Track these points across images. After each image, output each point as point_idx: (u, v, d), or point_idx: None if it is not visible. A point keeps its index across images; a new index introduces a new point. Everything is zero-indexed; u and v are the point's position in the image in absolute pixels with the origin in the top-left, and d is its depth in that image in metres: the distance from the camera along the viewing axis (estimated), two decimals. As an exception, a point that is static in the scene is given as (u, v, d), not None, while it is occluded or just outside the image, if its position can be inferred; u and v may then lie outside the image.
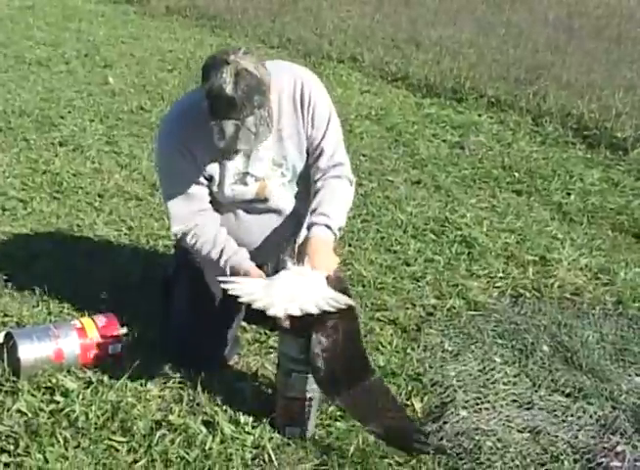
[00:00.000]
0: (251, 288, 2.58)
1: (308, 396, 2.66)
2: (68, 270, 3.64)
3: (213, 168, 2.85)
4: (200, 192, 2.89)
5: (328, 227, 2.83)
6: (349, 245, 4.09)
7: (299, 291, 2.56)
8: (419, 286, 3.79)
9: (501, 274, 3.96)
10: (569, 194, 5.19)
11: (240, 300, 2.54)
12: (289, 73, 2.90)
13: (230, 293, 2.56)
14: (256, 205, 2.97)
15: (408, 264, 4.00)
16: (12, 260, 3.72)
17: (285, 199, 3.00)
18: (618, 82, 7.62)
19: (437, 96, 7.45)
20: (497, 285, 3.85)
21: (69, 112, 6.17)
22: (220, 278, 2.66)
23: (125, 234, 4.13)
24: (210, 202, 2.93)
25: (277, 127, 2.83)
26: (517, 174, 5.47)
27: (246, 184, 2.91)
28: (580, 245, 4.39)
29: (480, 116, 6.94)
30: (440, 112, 6.99)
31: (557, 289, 3.85)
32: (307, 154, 2.95)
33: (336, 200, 2.92)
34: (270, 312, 2.50)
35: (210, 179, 2.87)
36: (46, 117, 5.93)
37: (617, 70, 8.25)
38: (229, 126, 2.57)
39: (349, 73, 8.02)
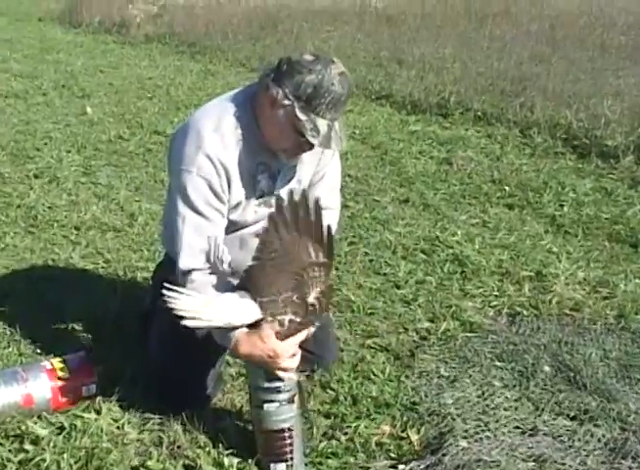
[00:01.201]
0: (194, 304, 2.44)
1: (286, 426, 2.49)
2: (42, 308, 3.47)
3: (241, 192, 2.67)
4: (221, 226, 2.66)
5: None
6: (337, 269, 3.92)
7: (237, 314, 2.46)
8: (411, 309, 3.63)
9: (496, 292, 3.81)
10: (562, 206, 5.06)
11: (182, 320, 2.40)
12: None
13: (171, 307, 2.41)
14: None
15: (399, 287, 3.84)
16: (-18, 299, 3.54)
17: None
18: (606, 90, 7.52)
19: (423, 112, 7.40)
20: (493, 304, 3.70)
21: (46, 143, 6.04)
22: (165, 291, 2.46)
23: (102, 267, 3.96)
24: None
25: None
26: (507, 188, 5.35)
27: (271, 206, 2.71)
28: (577, 258, 4.24)
29: (466, 130, 6.88)
30: (426, 128, 6.91)
31: (555, 305, 3.70)
32: None
33: None
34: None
35: (234, 206, 2.69)
36: (21, 150, 5.80)
37: (604, 79, 8.17)
38: (323, 125, 2.47)
39: (332, 93, 7.85)
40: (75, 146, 5.99)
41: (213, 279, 2.59)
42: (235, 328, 2.46)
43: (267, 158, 2.66)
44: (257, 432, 2.54)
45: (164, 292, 2.43)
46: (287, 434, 2.49)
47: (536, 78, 8.16)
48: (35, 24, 12.27)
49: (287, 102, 2.46)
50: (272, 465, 2.51)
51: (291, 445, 2.50)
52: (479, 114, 7.17)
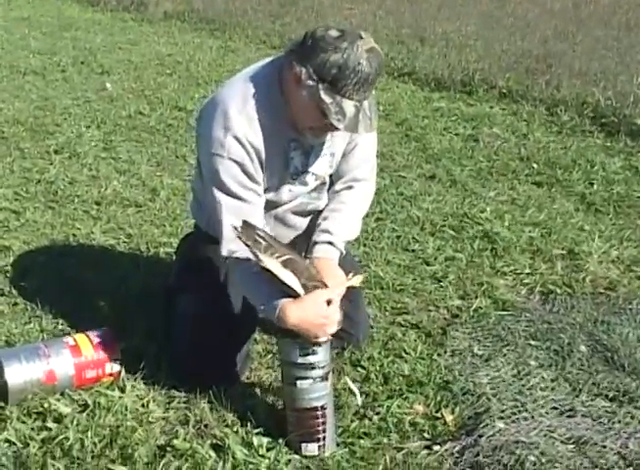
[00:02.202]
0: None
1: (319, 404, 2.40)
2: (63, 283, 3.39)
3: (275, 171, 2.58)
4: (259, 207, 2.58)
5: (330, 244, 2.64)
6: (364, 245, 3.83)
7: None
8: (441, 286, 3.53)
9: (528, 270, 3.71)
10: (591, 184, 4.95)
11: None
12: None
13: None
14: (307, 205, 2.78)
15: (428, 264, 3.75)
16: (2, 275, 3.47)
17: (325, 198, 2.83)
18: (633, 68, 7.36)
19: (446, 89, 7.29)
20: (525, 282, 3.60)
21: (65, 119, 5.95)
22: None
23: (124, 242, 3.88)
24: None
25: None
26: (535, 166, 5.24)
27: (305, 184, 2.67)
28: (609, 236, 4.14)
29: (491, 107, 6.77)
30: (450, 105, 6.80)
31: (589, 284, 3.61)
32: None
33: (343, 214, 2.72)
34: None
35: (268, 186, 2.60)
36: (41, 126, 5.71)
37: (631, 57, 8.00)
38: (350, 107, 2.32)
39: (354, 71, 7.76)
40: (95, 121, 5.89)
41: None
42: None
43: (298, 134, 2.56)
44: (289, 410, 2.46)
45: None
46: (319, 412, 2.41)
47: (562, 56, 8.03)
48: (53, 3, 12.12)
49: (311, 82, 2.32)
50: (303, 445, 2.43)
51: (323, 423, 2.42)
52: (503, 91, 7.06)
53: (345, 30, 2.32)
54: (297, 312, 2.33)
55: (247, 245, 2.30)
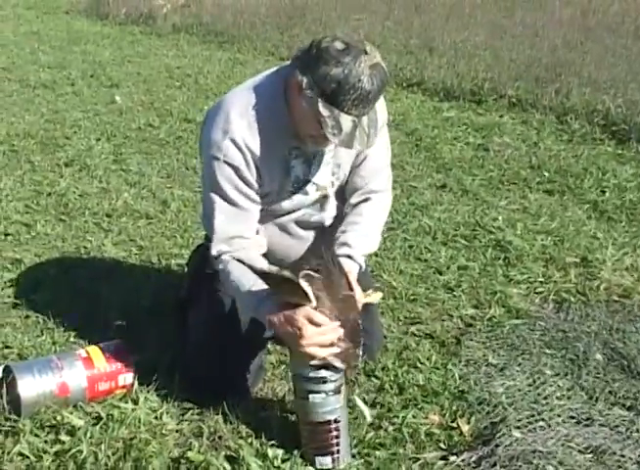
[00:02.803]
0: None
1: (332, 418, 2.37)
2: (75, 296, 3.38)
3: (274, 178, 2.57)
4: (253, 212, 2.59)
5: (349, 257, 2.63)
6: (376, 255, 3.80)
7: None
8: (454, 295, 3.51)
9: (542, 279, 3.68)
10: (603, 192, 4.93)
11: None
12: None
13: None
14: (311, 217, 2.75)
15: (440, 273, 3.73)
16: (14, 288, 3.46)
17: (332, 210, 2.80)
18: (643, 76, 7.34)
19: (456, 99, 7.28)
20: (538, 290, 3.57)
21: (75, 132, 5.95)
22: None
23: (135, 254, 3.87)
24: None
25: None
26: (547, 174, 5.22)
27: (306, 193, 2.66)
28: (622, 244, 4.11)
29: (501, 116, 6.75)
30: (460, 114, 6.79)
31: (603, 292, 3.58)
32: None
33: (361, 226, 2.72)
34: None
35: (267, 193, 2.59)
36: (51, 139, 5.72)
37: (640, 64, 7.98)
38: (347, 122, 2.29)
39: (363, 81, 7.76)
40: (105, 134, 5.90)
41: (247, 258, 2.53)
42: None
43: (300, 142, 2.54)
44: (302, 423, 2.43)
45: None
46: (333, 426, 2.38)
47: (571, 65, 8.00)
48: (62, 17, 12.17)
49: (310, 93, 2.30)
50: (317, 458, 2.40)
51: (337, 437, 2.38)
52: (513, 100, 7.04)
53: (350, 44, 2.27)
54: (276, 316, 2.35)
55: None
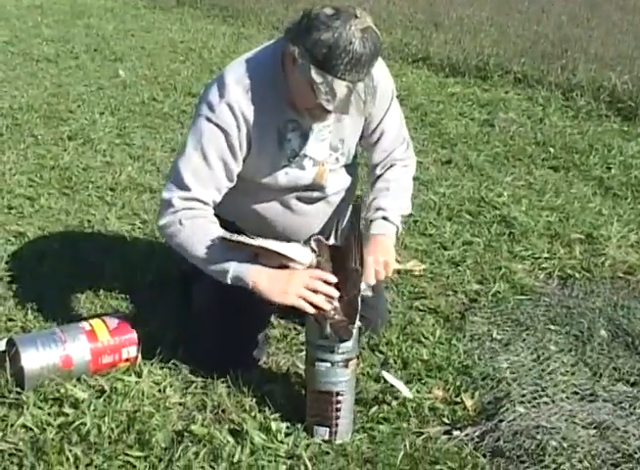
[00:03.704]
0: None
1: (335, 389, 2.36)
2: (78, 269, 3.37)
3: (269, 151, 2.53)
4: (222, 184, 2.53)
5: (385, 219, 2.63)
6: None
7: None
8: (459, 271, 3.50)
9: (546, 255, 3.67)
10: (609, 168, 4.92)
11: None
12: None
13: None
14: (311, 193, 2.69)
15: (445, 248, 3.72)
16: (18, 261, 3.45)
17: (337, 185, 2.73)
18: (650, 53, 7.31)
19: (461, 75, 7.27)
20: (543, 266, 3.57)
21: (79, 106, 5.94)
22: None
23: (139, 228, 3.86)
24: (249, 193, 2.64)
25: None
26: (552, 150, 5.20)
27: (302, 168, 2.60)
28: (628, 220, 4.10)
29: (507, 92, 6.75)
30: (465, 90, 6.78)
31: (608, 268, 3.57)
32: (362, 135, 2.71)
33: (391, 191, 2.71)
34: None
35: (258, 166, 2.55)
36: (54, 112, 5.70)
37: (647, 41, 7.94)
38: (341, 87, 2.24)
39: (368, 56, 7.74)
40: (109, 108, 5.88)
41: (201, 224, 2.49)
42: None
43: (297, 115, 2.50)
44: (308, 390, 2.44)
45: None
46: (335, 398, 2.37)
47: (577, 41, 7.97)
48: (65, -10, 12.17)
49: (302, 61, 2.26)
50: (315, 428, 2.40)
51: (338, 410, 2.37)
52: (519, 76, 7.04)
53: (340, 9, 2.24)
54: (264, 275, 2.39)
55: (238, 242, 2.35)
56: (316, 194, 2.70)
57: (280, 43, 2.46)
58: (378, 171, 2.76)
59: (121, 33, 8.90)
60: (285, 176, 2.59)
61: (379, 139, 2.72)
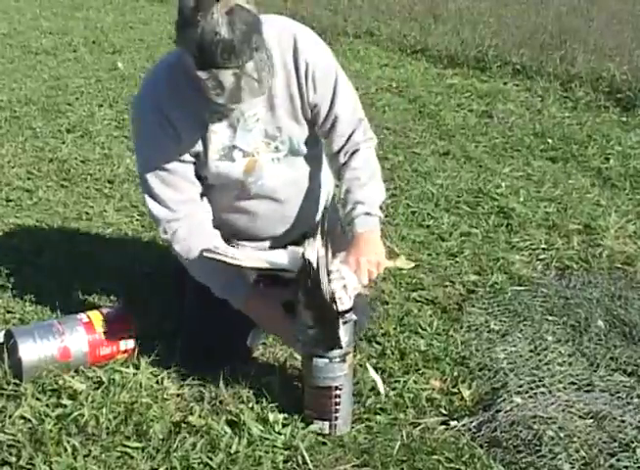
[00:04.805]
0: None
1: (334, 384, 2.37)
2: (76, 261, 3.38)
3: (196, 143, 2.49)
4: (184, 172, 2.52)
5: (367, 214, 2.57)
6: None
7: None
8: (456, 262, 3.50)
9: (544, 245, 3.67)
10: (607, 159, 4.90)
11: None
12: (278, 27, 2.48)
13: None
14: (248, 187, 2.61)
15: (443, 239, 3.72)
16: (16, 253, 3.47)
17: (280, 177, 2.63)
18: (649, 43, 7.30)
19: (460, 66, 7.24)
20: (541, 257, 3.56)
21: (77, 98, 5.96)
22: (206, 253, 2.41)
23: (137, 220, 3.87)
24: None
25: (268, 94, 2.42)
26: (550, 141, 5.19)
27: (232, 160, 2.53)
28: (626, 211, 4.09)
29: (505, 84, 6.72)
30: (464, 81, 6.76)
31: (606, 259, 3.56)
32: (312, 122, 2.61)
33: (363, 179, 2.62)
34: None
35: (196, 157, 2.52)
36: (53, 105, 5.72)
37: (647, 32, 7.92)
38: (227, 76, 2.14)
39: (367, 48, 7.83)
40: (107, 100, 5.89)
41: (196, 233, 2.55)
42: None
43: (220, 106, 2.35)
44: (305, 385, 2.44)
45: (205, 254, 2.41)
46: (333, 393, 2.38)
47: (576, 32, 7.95)
48: (64, -17, 12.17)
49: (185, 61, 2.20)
50: (315, 422, 2.40)
51: (336, 404, 2.39)
52: (517, 67, 7.00)
53: None
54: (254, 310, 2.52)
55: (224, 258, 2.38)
56: (255, 189, 2.62)
57: None
58: (342, 159, 2.65)
59: (120, 26, 8.90)
60: (216, 169, 2.54)
61: (333, 124, 2.60)
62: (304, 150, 2.64)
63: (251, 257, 2.45)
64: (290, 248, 2.45)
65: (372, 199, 2.61)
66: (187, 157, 2.50)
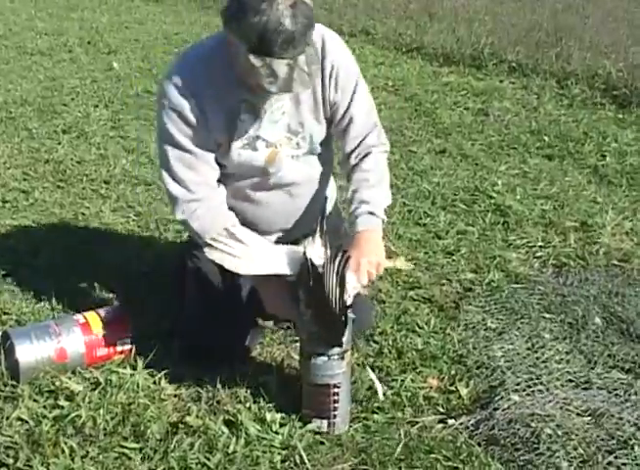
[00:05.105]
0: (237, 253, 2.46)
1: (332, 382, 2.38)
2: (73, 262, 3.37)
3: (222, 130, 2.52)
4: (206, 158, 2.54)
5: (371, 214, 2.59)
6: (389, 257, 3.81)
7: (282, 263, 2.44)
8: (453, 260, 3.51)
9: (541, 243, 3.67)
10: (604, 156, 4.91)
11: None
12: None
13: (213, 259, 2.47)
14: (266, 178, 2.65)
15: (440, 238, 3.72)
16: (12, 254, 3.45)
17: (297, 172, 2.68)
18: (644, 40, 7.31)
19: (455, 64, 7.26)
20: (538, 255, 3.57)
21: (73, 99, 5.94)
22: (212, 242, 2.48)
23: (134, 221, 3.86)
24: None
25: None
26: (546, 139, 5.20)
27: (255, 149, 2.57)
28: (622, 208, 4.10)
29: (501, 81, 6.74)
30: (460, 80, 6.77)
31: (603, 256, 3.57)
32: (329, 122, 2.65)
33: (372, 181, 2.65)
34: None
35: (220, 143, 2.55)
36: (48, 106, 5.70)
37: (642, 29, 7.94)
38: (281, 66, 2.23)
39: (362, 47, 7.83)
40: (103, 101, 5.88)
41: (214, 213, 2.56)
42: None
43: (250, 96, 2.46)
44: (304, 383, 2.44)
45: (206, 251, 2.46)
46: (332, 390, 2.38)
47: (572, 29, 7.97)
48: (59, -17, 12.16)
49: (239, 47, 2.25)
50: (314, 420, 2.41)
51: (335, 402, 2.39)
52: (513, 65, 7.02)
53: None
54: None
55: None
56: (272, 180, 2.66)
57: None
58: (353, 161, 2.70)
59: (115, 26, 8.88)
60: (238, 157, 2.57)
61: (348, 125, 2.65)
62: (319, 149, 2.69)
63: (254, 256, 2.48)
64: (289, 247, 2.49)
65: (378, 201, 2.63)
66: (211, 142, 2.52)
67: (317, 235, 2.42)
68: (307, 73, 2.28)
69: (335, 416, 2.40)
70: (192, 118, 2.46)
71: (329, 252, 2.32)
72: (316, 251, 2.36)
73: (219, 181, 2.62)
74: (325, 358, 2.35)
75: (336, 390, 2.38)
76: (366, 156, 2.69)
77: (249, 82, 2.38)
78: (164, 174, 2.55)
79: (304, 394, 2.43)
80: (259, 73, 2.24)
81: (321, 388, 2.39)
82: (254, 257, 2.48)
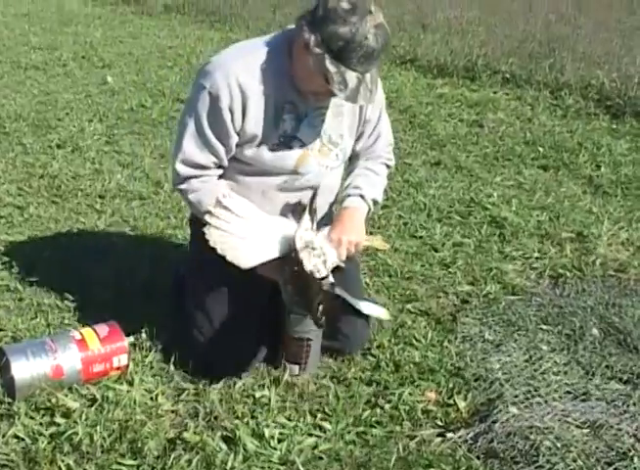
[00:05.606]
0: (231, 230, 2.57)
1: (305, 337, 2.71)
2: (69, 277, 3.36)
3: (262, 124, 2.57)
4: (219, 151, 2.60)
5: (361, 197, 2.71)
6: (371, 233, 3.78)
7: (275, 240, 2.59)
8: (450, 272, 3.51)
9: (537, 254, 3.68)
10: (598, 166, 4.94)
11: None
12: None
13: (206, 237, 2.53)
14: (293, 179, 2.69)
15: (436, 250, 3.72)
16: (7, 270, 3.43)
17: (324, 180, 2.75)
18: (637, 50, 7.33)
19: (449, 76, 7.29)
20: (534, 266, 3.58)
21: (67, 113, 5.91)
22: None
23: (129, 235, 3.84)
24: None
25: (338, 102, 2.61)
26: (541, 149, 5.22)
27: (290, 148, 2.63)
28: (618, 218, 4.11)
29: (495, 93, 6.77)
30: (454, 91, 6.79)
31: (599, 266, 3.58)
32: (359, 137, 2.80)
33: (370, 177, 2.80)
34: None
35: (251, 139, 2.58)
36: (43, 121, 5.67)
37: (635, 39, 7.95)
38: (353, 78, 2.37)
39: (356, 59, 7.74)
40: (97, 115, 5.86)
41: (212, 186, 2.63)
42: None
43: (296, 98, 2.57)
44: (284, 334, 2.74)
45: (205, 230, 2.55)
46: (305, 343, 2.71)
47: (565, 40, 7.98)
48: (53, -2, 12.16)
49: (318, 50, 2.34)
50: (288, 365, 2.73)
51: (307, 352, 2.72)
52: (507, 76, 7.07)
53: (356, 3, 2.33)
54: None
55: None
56: (301, 180, 2.70)
57: (287, 33, 2.53)
58: (360, 161, 2.85)
59: (109, 40, 8.88)
60: (270, 154, 2.62)
61: (375, 142, 2.82)
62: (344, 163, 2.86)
63: (250, 236, 2.59)
64: (280, 220, 2.66)
65: (370, 192, 2.76)
66: (233, 138, 2.58)
67: (306, 214, 2.58)
68: (369, 91, 2.42)
69: (306, 363, 2.74)
70: (223, 111, 2.52)
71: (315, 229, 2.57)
72: (304, 225, 2.55)
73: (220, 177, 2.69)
74: (300, 317, 2.66)
75: (308, 343, 2.71)
76: (372, 160, 2.85)
77: (305, 87, 2.51)
78: (175, 145, 2.64)
79: (284, 343, 2.74)
80: (332, 78, 2.35)
81: (296, 340, 2.71)
82: (250, 237, 2.58)
